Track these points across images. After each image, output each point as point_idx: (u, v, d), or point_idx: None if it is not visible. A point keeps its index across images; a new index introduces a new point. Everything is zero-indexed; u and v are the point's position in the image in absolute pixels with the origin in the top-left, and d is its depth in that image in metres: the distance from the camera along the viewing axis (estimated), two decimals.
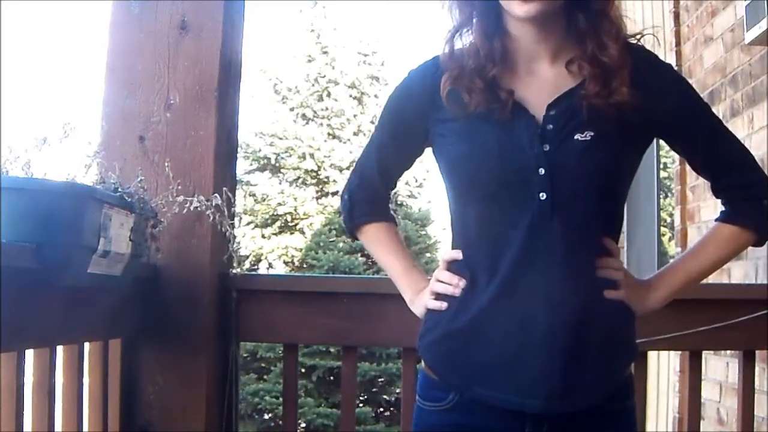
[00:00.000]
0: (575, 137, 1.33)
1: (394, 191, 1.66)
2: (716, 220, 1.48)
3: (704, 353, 2.19)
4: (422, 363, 1.47)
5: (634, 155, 1.41)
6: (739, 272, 3.53)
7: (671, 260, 1.49)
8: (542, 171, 1.32)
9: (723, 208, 1.48)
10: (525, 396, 1.32)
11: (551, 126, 1.34)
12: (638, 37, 1.42)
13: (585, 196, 1.34)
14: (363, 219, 1.59)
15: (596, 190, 1.35)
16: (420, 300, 1.49)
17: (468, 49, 1.38)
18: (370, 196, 1.59)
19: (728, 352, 3.20)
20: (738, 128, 3.54)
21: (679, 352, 3.21)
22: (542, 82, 1.38)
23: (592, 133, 1.32)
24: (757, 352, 2.18)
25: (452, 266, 1.44)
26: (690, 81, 4.21)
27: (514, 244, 1.33)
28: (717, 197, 1.49)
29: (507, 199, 1.34)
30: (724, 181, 1.46)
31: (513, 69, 1.39)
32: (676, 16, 4.40)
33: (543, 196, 1.32)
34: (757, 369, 2.15)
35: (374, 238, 1.60)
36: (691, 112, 1.44)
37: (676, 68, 4.25)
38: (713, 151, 1.44)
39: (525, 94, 1.36)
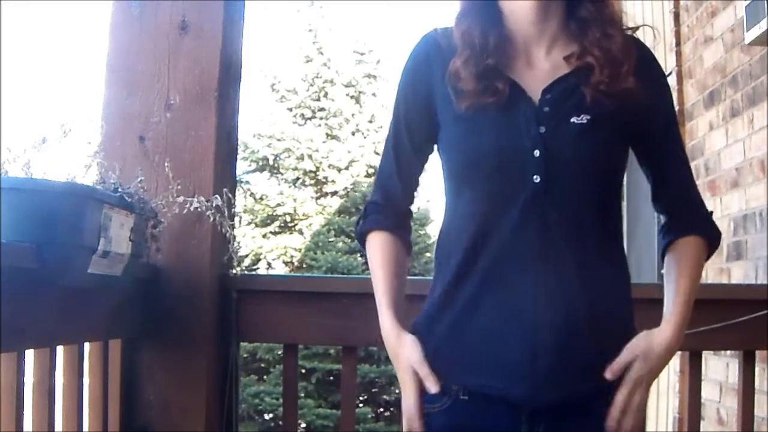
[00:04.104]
0: (571, 120, 1.33)
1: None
2: (669, 243, 1.46)
3: (704, 353, 2.19)
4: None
5: (626, 143, 1.42)
6: (739, 272, 3.53)
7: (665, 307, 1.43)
8: (537, 153, 1.32)
9: (670, 230, 1.47)
10: (511, 383, 1.31)
11: (547, 108, 1.34)
12: (635, 30, 1.43)
13: (579, 180, 1.34)
14: (373, 225, 1.52)
15: (591, 173, 1.34)
16: (397, 361, 1.42)
17: (464, 38, 1.38)
18: (387, 202, 1.52)
19: (728, 352, 3.20)
20: (738, 128, 3.54)
21: (679, 352, 3.21)
22: (538, 71, 1.39)
23: (588, 117, 1.33)
24: (757, 352, 2.18)
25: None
26: (690, 81, 4.24)
27: (506, 227, 1.32)
28: (658, 198, 1.49)
29: (501, 181, 1.33)
30: (672, 191, 1.48)
31: (509, 59, 1.39)
32: (676, 16, 4.40)
33: (537, 179, 1.31)
34: (757, 369, 2.15)
35: (375, 250, 1.51)
36: (668, 118, 1.48)
37: (675, 68, 4.26)
38: (671, 159, 1.47)
39: (521, 80, 1.37)
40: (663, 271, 1.48)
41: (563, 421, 1.33)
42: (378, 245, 1.51)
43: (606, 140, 1.35)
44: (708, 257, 1.48)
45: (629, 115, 1.36)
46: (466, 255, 1.35)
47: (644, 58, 1.41)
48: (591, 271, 1.34)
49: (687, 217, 1.48)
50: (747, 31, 3.23)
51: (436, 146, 1.45)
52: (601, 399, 1.35)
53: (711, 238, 1.47)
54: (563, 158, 1.32)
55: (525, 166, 1.32)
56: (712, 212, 1.50)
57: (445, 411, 1.38)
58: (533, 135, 1.32)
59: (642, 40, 1.47)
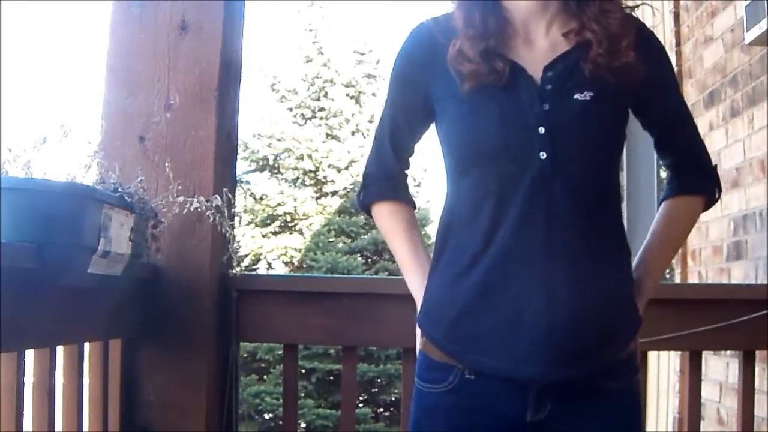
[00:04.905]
0: (575, 96, 1.35)
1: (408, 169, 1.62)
2: (669, 196, 1.55)
3: (704, 353, 2.19)
4: (421, 344, 1.45)
5: (626, 117, 1.44)
6: (739, 272, 3.53)
7: (642, 253, 1.56)
8: (542, 130, 1.33)
9: (672, 183, 1.55)
10: (520, 363, 1.31)
11: (550, 86, 1.36)
12: (634, 9, 1.46)
13: (584, 155, 1.35)
14: (374, 197, 1.58)
15: (595, 149, 1.36)
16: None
17: (464, 20, 1.40)
18: (384, 173, 1.57)
19: (728, 352, 3.20)
20: (738, 128, 3.54)
21: (679, 352, 3.21)
22: (538, 50, 1.40)
23: (591, 93, 1.35)
24: (757, 352, 2.18)
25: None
26: (690, 81, 4.24)
27: (515, 206, 1.33)
28: (663, 156, 1.56)
29: (507, 160, 1.34)
30: (677, 151, 1.54)
31: (508, 38, 1.40)
32: (676, 16, 4.40)
33: (543, 155, 1.33)
34: (757, 369, 2.15)
35: (383, 222, 1.58)
36: (671, 87, 1.53)
37: (676, 68, 4.26)
38: (675, 123, 1.52)
39: (521, 59, 1.38)
40: (658, 214, 1.57)
41: (569, 401, 1.34)
42: (387, 216, 1.57)
43: (609, 115, 1.37)
44: (707, 209, 1.57)
45: (631, 89, 1.39)
46: (478, 239, 1.35)
47: (643, 33, 1.44)
48: (597, 249, 1.36)
49: (691, 176, 1.54)
50: (747, 31, 3.23)
51: (435, 129, 1.46)
52: (606, 379, 1.36)
53: (711, 197, 1.55)
54: (568, 135, 1.34)
55: (531, 144, 1.33)
56: (716, 165, 1.56)
57: (451, 390, 1.38)
58: (537, 112, 1.34)
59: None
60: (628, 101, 1.42)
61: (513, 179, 1.33)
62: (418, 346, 1.48)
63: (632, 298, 1.43)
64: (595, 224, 1.36)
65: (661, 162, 1.59)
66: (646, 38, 1.45)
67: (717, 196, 1.56)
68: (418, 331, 1.47)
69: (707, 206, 1.57)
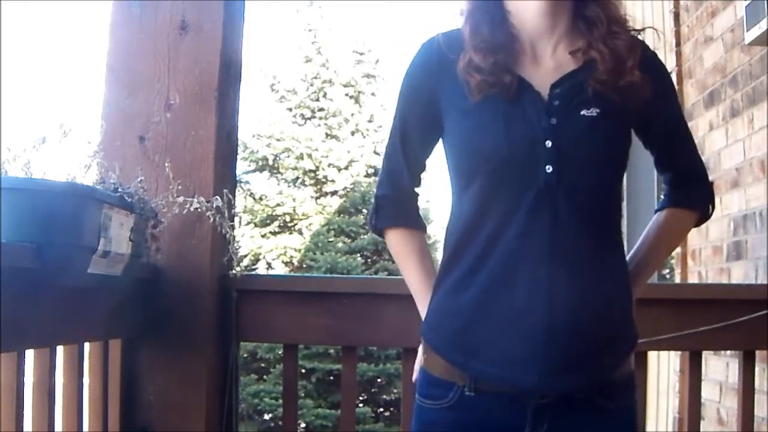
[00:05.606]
0: (581, 113, 1.36)
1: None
2: (664, 207, 1.59)
3: (704, 353, 2.19)
4: (422, 361, 1.46)
5: (630, 137, 1.45)
6: (739, 272, 3.53)
7: (629, 259, 1.56)
8: (549, 144, 1.34)
9: (668, 196, 1.59)
10: (522, 372, 1.32)
11: (557, 102, 1.37)
12: (639, 32, 1.47)
13: (590, 170, 1.36)
14: (386, 223, 1.58)
15: (601, 164, 1.38)
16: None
17: (472, 34, 1.41)
18: (396, 194, 1.57)
19: (728, 352, 3.21)
20: (738, 128, 3.54)
21: (679, 352, 3.21)
22: (545, 69, 1.41)
23: (597, 110, 1.37)
24: (757, 352, 2.18)
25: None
26: (690, 81, 4.24)
27: (519, 217, 1.34)
28: (662, 172, 1.60)
29: (512, 172, 1.35)
30: (675, 169, 1.57)
31: (515, 55, 1.41)
32: (676, 16, 4.40)
33: (549, 168, 1.33)
34: (757, 369, 2.16)
35: (396, 248, 1.59)
36: (674, 109, 1.56)
37: (675, 68, 4.26)
38: (676, 143, 1.55)
39: (528, 75, 1.39)
40: (650, 224, 1.59)
41: (566, 417, 1.34)
42: (400, 242, 1.58)
43: (615, 132, 1.39)
44: (699, 224, 1.62)
45: (636, 108, 1.40)
46: (480, 249, 1.36)
47: (648, 56, 1.45)
48: (599, 262, 1.37)
49: (687, 192, 1.58)
50: (747, 31, 3.23)
51: (444, 144, 1.47)
52: (604, 399, 1.37)
53: (705, 213, 1.60)
54: (575, 150, 1.35)
55: (537, 157, 1.34)
56: (713, 182, 1.61)
57: (450, 407, 1.39)
58: (545, 126, 1.35)
59: (644, 40, 1.50)
60: (633, 121, 1.43)
61: (518, 191, 1.34)
62: (417, 364, 1.49)
63: (631, 312, 1.44)
64: (598, 239, 1.38)
65: (659, 177, 1.62)
66: (649, 59, 1.46)
67: (710, 212, 1.60)
68: (420, 348, 1.48)
69: (699, 222, 1.60)
